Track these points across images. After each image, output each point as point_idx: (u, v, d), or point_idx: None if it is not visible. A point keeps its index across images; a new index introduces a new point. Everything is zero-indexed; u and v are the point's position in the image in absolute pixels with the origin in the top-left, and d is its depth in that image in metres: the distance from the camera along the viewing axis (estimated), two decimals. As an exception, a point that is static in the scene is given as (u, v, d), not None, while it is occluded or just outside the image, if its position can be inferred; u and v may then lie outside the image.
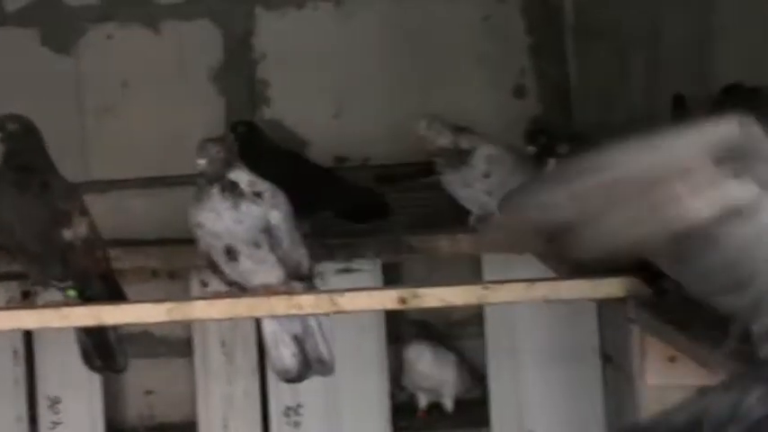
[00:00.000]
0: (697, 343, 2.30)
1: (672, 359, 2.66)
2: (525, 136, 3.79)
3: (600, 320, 4.38)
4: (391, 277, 4.51)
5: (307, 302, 2.82)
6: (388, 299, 2.82)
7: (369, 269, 4.32)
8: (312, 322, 3.05)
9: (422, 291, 2.80)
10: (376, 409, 4.45)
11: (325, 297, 2.82)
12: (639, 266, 2.54)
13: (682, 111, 3.02)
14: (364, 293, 2.86)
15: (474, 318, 4.75)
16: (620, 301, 2.86)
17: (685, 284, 2.25)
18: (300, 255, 2.95)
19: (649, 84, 3.69)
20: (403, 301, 2.80)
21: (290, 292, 2.86)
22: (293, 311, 2.83)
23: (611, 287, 2.82)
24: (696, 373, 2.41)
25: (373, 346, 4.44)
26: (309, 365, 3.09)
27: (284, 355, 3.06)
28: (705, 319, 2.36)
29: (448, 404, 4.61)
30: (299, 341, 3.06)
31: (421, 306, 2.84)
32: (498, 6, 4.77)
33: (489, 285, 2.81)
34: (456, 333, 4.94)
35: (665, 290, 2.64)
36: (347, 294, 2.83)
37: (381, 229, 4.20)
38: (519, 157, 3.93)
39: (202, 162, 2.81)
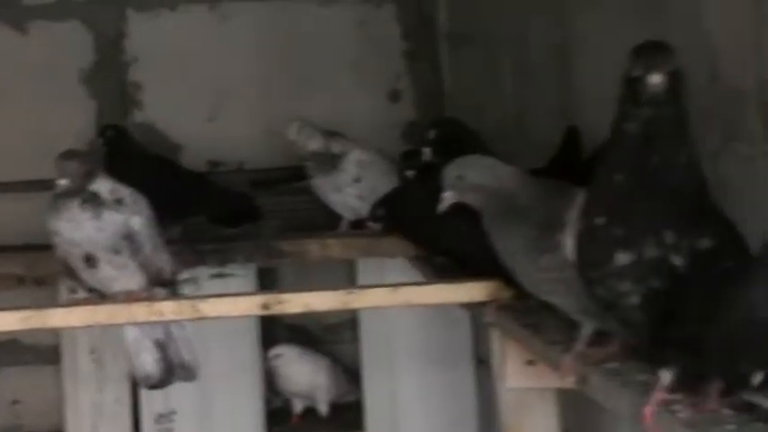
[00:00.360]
0: (550, 347, 2.33)
1: (530, 362, 2.68)
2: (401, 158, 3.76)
3: (474, 324, 4.41)
4: (267, 282, 4.50)
5: (168, 309, 2.79)
6: (252, 305, 2.80)
7: (243, 274, 4.29)
8: (174, 327, 3.02)
9: (285, 296, 2.79)
10: (250, 414, 4.42)
11: (186, 303, 2.79)
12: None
13: (574, 143, 3.04)
14: (227, 299, 2.83)
15: (349, 322, 4.75)
16: (483, 304, 2.87)
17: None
18: (162, 260, 2.92)
19: (517, 89, 3.73)
20: (266, 306, 2.79)
21: (151, 299, 2.83)
22: (154, 318, 2.80)
23: (473, 291, 2.84)
24: (554, 376, 2.43)
25: (247, 351, 4.41)
26: (172, 371, 3.06)
27: (146, 361, 3.03)
28: (560, 322, 2.40)
29: (322, 409, 4.61)
30: (161, 347, 3.03)
31: (284, 311, 2.84)
32: (373, 12, 4.78)
33: (353, 291, 2.82)
34: (331, 337, 4.94)
35: (525, 293, 2.65)
36: (209, 300, 2.81)
37: (254, 233, 4.18)
38: (390, 162, 3.94)
39: (64, 182, 2.77)
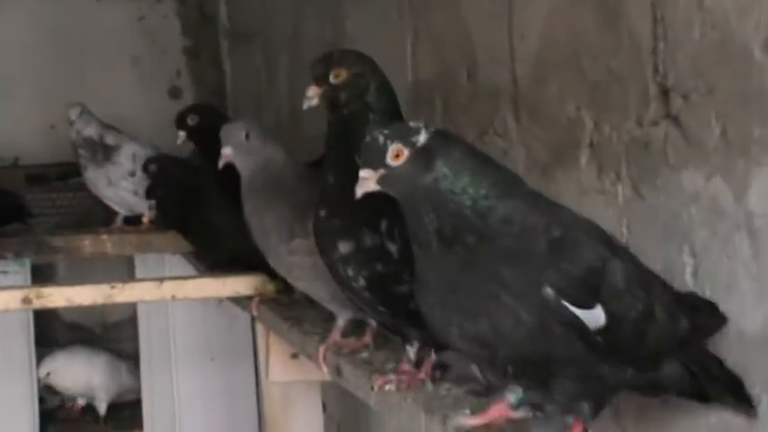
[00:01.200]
0: (308, 338, 2.34)
1: (294, 356, 2.70)
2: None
3: (254, 320, 4.40)
4: (43, 279, 4.39)
5: None
6: (11, 299, 2.73)
7: (16, 271, 4.20)
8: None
9: (47, 290, 2.73)
10: (23, 413, 4.32)
11: (-60, 299, 2.71)
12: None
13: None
14: (-17, 294, 2.75)
15: (130, 320, 4.69)
16: (249, 299, 2.87)
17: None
18: None
19: (292, 86, 3.75)
20: (27, 301, 2.72)
21: None
22: None
23: (239, 285, 2.84)
24: (317, 368, 2.44)
25: (20, 350, 4.31)
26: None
27: None
28: (320, 315, 2.42)
29: (101, 407, 4.54)
30: None
31: (47, 306, 2.78)
32: (153, 8, 4.74)
33: (116, 285, 2.77)
34: (113, 335, 4.87)
35: (290, 287, 2.67)
36: (-35, 295, 2.73)
37: (26, 229, 4.08)
38: (166, 158, 3.91)
39: None
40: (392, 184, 1.47)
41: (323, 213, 1.83)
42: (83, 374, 4.49)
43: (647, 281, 1.51)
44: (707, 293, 1.63)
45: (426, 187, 1.45)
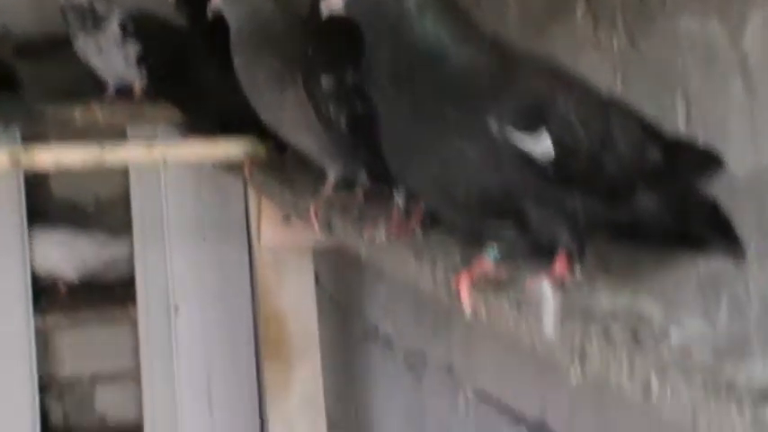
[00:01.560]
0: (300, 197, 2.32)
1: (287, 218, 2.68)
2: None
3: (246, 195, 4.38)
4: (35, 153, 4.36)
5: None
6: (-1, 161, 2.69)
7: (6, 141, 4.16)
8: None
9: (36, 150, 2.70)
10: (15, 292, 4.29)
11: (-75, 159, 2.67)
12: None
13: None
14: (-30, 155, 2.71)
15: (124, 199, 4.67)
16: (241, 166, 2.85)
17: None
18: None
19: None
20: (16, 162, 2.69)
21: None
22: None
23: (230, 148, 2.81)
24: (309, 233, 2.43)
25: (11, 226, 4.28)
26: None
27: None
28: (313, 176, 2.40)
29: (72, 278, 4.52)
30: None
31: (36, 167, 2.75)
32: None
33: (107, 145, 2.74)
34: (106, 213, 4.86)
35: (284, 147, 2.63)
36: (-49, 156, 2.69)
37: (17, 97, 4.04)
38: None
39: None
40: (358, 11, 1.46)
41: (310, 51, 1.84)
42: (39, 251, 4.45)
43: (606, 111, 1.47)
44: (700, 138, 1.61)
45: (390, 22, 1.44)
